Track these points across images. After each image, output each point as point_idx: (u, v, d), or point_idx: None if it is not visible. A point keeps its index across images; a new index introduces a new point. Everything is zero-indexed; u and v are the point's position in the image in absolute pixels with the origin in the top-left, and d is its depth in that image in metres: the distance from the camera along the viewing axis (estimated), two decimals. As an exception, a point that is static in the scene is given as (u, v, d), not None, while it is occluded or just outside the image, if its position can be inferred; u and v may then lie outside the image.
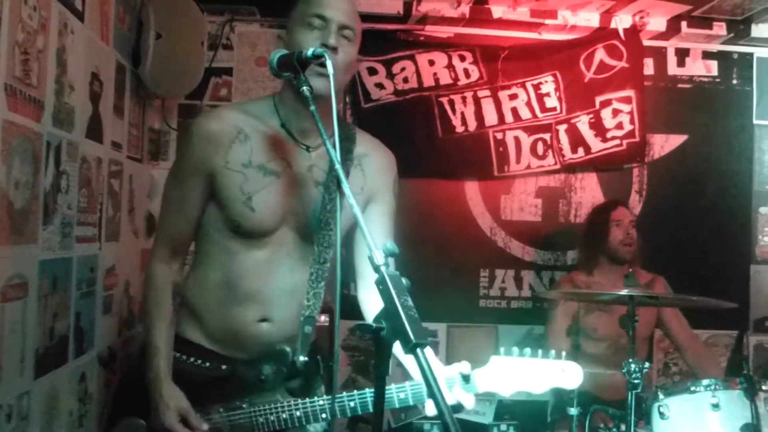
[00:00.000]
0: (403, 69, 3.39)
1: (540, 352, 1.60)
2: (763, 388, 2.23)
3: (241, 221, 1.61)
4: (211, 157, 1.60)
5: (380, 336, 1.03)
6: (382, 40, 3.35)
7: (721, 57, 3.58)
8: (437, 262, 3.37)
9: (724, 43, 3.55)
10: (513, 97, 3.44)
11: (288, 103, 1.64)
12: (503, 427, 3.03)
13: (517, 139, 3.43)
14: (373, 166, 1.75)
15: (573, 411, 2.41)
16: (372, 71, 3.37)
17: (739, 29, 3.48)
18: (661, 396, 2.30)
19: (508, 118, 3.43)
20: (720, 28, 3.47)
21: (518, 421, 3.06)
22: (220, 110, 1.76)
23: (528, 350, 1.60)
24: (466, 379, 1.56)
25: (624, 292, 2.17)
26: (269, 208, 1.61)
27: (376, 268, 1.07)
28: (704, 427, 2.22)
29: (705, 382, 2.25)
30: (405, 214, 3.38)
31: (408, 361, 1.42)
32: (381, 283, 1.05)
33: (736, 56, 3.59)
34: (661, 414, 2.28)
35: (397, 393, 1.56)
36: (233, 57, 3.35)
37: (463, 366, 1.56)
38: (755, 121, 3.61)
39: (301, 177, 1.64)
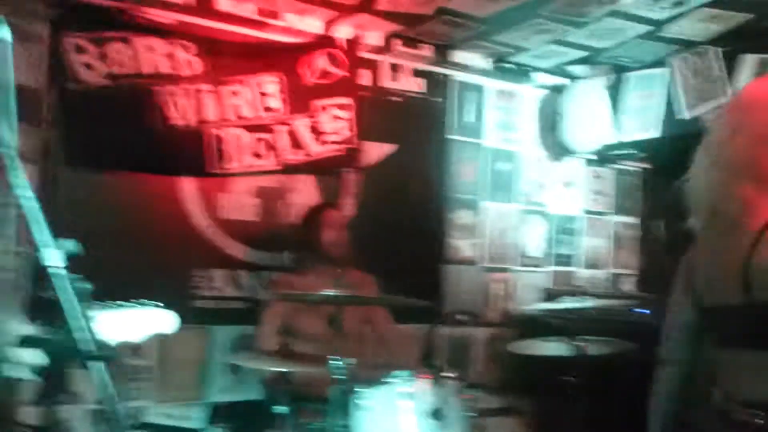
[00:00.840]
0: (117, 52, 3.13)
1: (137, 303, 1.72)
2: (448, 376, 2.50)
3: None
4: None
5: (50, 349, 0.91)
6: (91, 14, 3.05)
7: (428, 76, 3.94)
8: (146, 261, 3.16)
9: (430, 63, 3.92)
10: (235, 94, 3.39)
11: None
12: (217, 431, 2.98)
13: (237, 138, 3.39)
14: None
15: (281, 409, 2.45)
16: (79, 49, 3.05)
17: (443, 53, 3.88)
18: (361, 389, 2.44)
19: (230, 115, 3.38)
20: (428, 50, 3.84)
21: (232, 424, 3.02)
22: None
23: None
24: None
25: (330, 292, 2.26)
26: None
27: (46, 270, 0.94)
28: (397, 415, 2.40)
29: (400, 373, 2.45)
30: (112, 210, 3.19)
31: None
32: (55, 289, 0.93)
33: (439, 77, 3.99)
34: (360, 407, 2.42)
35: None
36: None
37: None
38: (451, 136, 4.04)
39: None
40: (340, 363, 2.20)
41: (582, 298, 2.80)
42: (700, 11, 3.23)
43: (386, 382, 2.46)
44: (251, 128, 3.42)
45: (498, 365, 4.08)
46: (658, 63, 3.93)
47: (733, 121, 1.52)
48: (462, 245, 4.08)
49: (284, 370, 2.40)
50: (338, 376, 2.21)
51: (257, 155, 3.44)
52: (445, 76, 4.00)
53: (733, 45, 3.54)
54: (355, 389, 2.45)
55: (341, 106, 3.61)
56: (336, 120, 3.60)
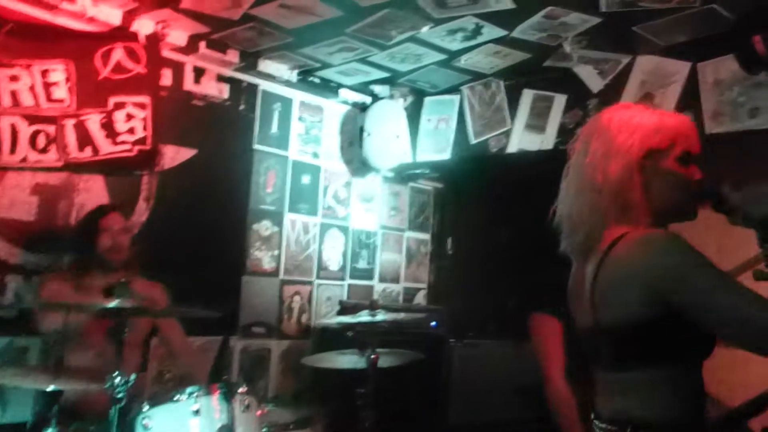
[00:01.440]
0: None
1: None
2: (239, 390, 2.43)
3: None
4: None
5: None
6: None
7: (232, 82, 3.85)
8: None
9: (236, 70, 3.83)
10: (14, 78, 3.04)
11: None
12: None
13: (13, 127, 3.03)
14: None
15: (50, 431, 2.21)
16: None
17: (249, 60, 3.82)
18: (145, 407, 2.29)
19: (6, 101, 3.02)
20: (234, 56, 3.75)
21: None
22: None
23: None
24: None
25: (113, 304, 2.09)
26: None
27: None
28: (186, 433, 2.29)
29: (188, 389, 2.33)
30: None
31: None
32: None
33: (245, 84, 3.91)
34: (144, 426, 2.26)
35: None
36: None
37: None
38: (255, 146, 3.99)
39: None
40: (119, 379, 2.03)
41: (376, 311, 2.88)
42: (488, 46, 3.52)
43: (174, 399, 2.33)
44: (31, 118, 3.09)
45: (294, 378, 4.07)
46: (452, 90, 4.22)
47: (585, 144, 1.59)
48: (262, 256, 4.02)
49: (55, 387, 2.16)
50: (118, 394, 2.04)
51: (37, 149, 3.10)
52: (251, 84, 3.94)
53: (515, 79, 3.91)
54: (139, 407, 2.29)
55: (138, 105, 3.38)
56: (131, 119, 3.37)
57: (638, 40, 3.31)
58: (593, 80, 3.66)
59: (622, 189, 1.50)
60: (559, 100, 3.78)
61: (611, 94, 3.56)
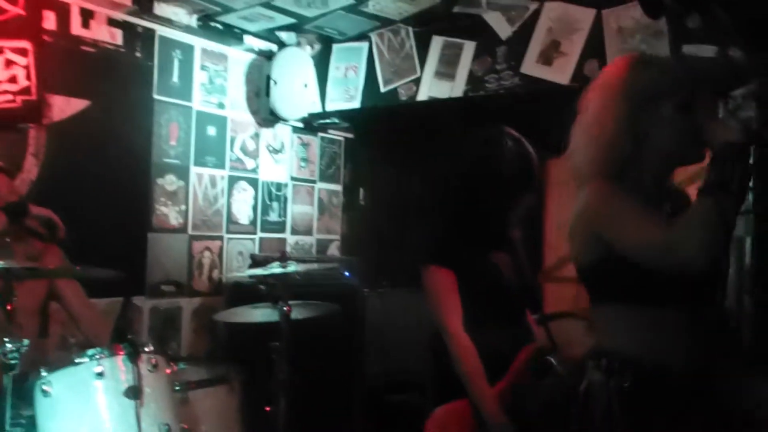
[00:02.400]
0: None
1: None
2: (146, 350, 2.33)
3: None
4: None
5: None
6: None
7: (126, 27, 3.60)
8: None
9: (129, 13, 3.58)
10: None
11: None
12: None
13: None
14: None
15: (-64, 406, 2.05)
16: None
17: (143, 3, 3.58)
18: (44, 373, 2.16)
19: None
20: (126, -1, 3.50)
21: None
22: None
23: None
24: None
25: (-1, 264, 1.94)
26: None
27: None
28: (88, 397, 2.17)
29: (90, 352, 2.21)
30: None
31: None
32: None
33: (140, 29, 3.67)
34: (44, 392, 2.14)
35: None
36: None
37: None
38: (155, 96, 3.78)
39: None
40: (10, 345, 1.90)
41: (287, 263, 2.83)
42: (396, -10, 3.45)
43: (75, 363, 2.21)
44: None
45: (207, 335, 3.99)
46: (361, 37, 4.13)
47: (589, 98, 1.68)
48: (168, 212, 3.86)
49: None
50: (10, 360, 1.92)
51: None
52: (147, 29, 3.70)
53: (424, 26, 3.86)
54: (38, 374, 2.17)
55: (18, 50, 3.10)
56: (11, 66, 3.09)
57: (545, -14, 3.32)
58: (502, 27, 3.66)
59: (615, 142, 1.60)
60: (469, 48, 3.77)
61: (519, 41, 3.59)
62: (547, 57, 3.48)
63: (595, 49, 3.35)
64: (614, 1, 3.30)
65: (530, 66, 3.53)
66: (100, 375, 2.17)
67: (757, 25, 2.74)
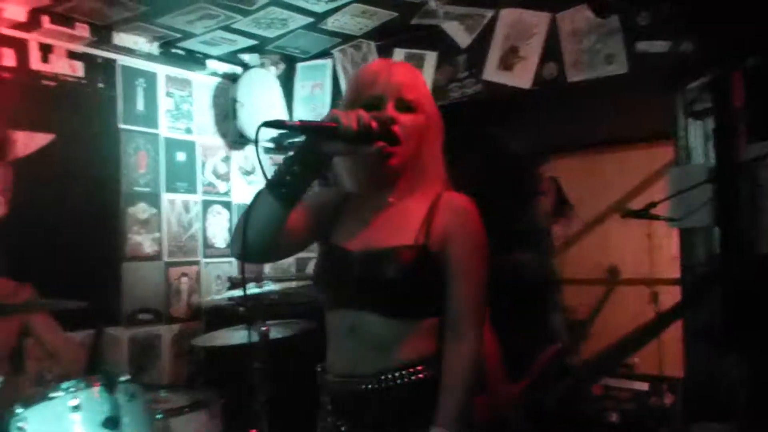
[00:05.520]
0: None
1: None
2: (122, 379, 2.32)
3: None
4: None
5: None
6: None
7: (86, 59, 3.59)
8: None
9: (88, 45, 3.58)
10: None
11: None
12: None
13: None
14: None
15: None
16: None
17: (102, 34, 3.58)
18: (19, 410, 2.15)
19: None
20: (84, 30, 3.50)
21: None
22: None
23: None
24: None
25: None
26: None
27: None
28: (65, 431, 2.17)
29: (64, 385, 2.21)
30: None
31: None
32: None
33: (100, 60, 3.66)
34: (20, 429, 2.13)
35: None
36: None
37: None
38: (121, 125, 3.77)
39: None
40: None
41: (262, 283, 2.83)
42: (353, 6, 3.48)
43: (50, 397, 2.20)
44: None
45: (188, 361, 3.96)
46: (323, 54, 4.16)
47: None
48: (142, 240, 3.84)
49: None
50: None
51: None
52: (107, 59, 3.70)
53: (385, 39, 3.90)
54: (13, 412, 2.15)
55: (-22, 89, 3.10)
56: (-28, 105, 3.09)
57: (499, -7, 3.38)
58: (461, 36, 3.71)
59: None
60: (430, 58, 3.81)
61: (479, 48, 3.63)
62: (507, 62, 3.53)
63: (553, 51, 3.40)
64: (567, 4, 3.36)
65: (492, 72, 3.58)
66: (76, 408, 2.17)
67: (706, 18, 2.81)
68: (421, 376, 1.50)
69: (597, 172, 4.85)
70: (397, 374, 1.49)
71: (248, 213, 1.46)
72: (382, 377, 1.49)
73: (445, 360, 1.50)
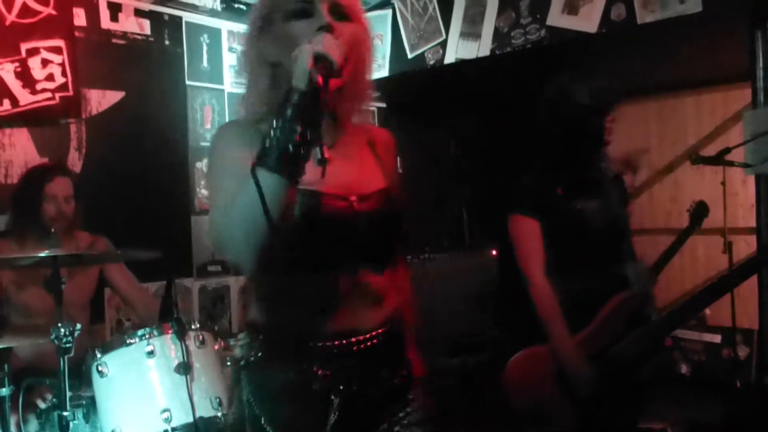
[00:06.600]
0: None
1: None
2: (192, 327, 2.42)
3: None
4: None
5: None
6: None
7: (153, 16, 3.67)
8: None
9: (155, 3, 3.64)
10: None
11: None
12: None
13: None
14: None
15: (3, 391, 2.19)
16: None
17: (166, -8, 3.64)
18: (98, 354, 2.27)
19: None
20: (149, -12, 3.56)
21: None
22: None
23: None
24: None
25: (45, 253, 2.04)
26: None
27: None
28: (142, 375, 2.27)
29: (139, 332, 2.31)
30: None
31: None
32: None
33: (167, 17, 3.73)
34: (100, 373, 2.25)
35: None
36: None
37: None
38: (187, 82, 3.85)
39: None
40: (63, 330, 2.01)
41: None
42: (414, -48, 3.40)
43: (126, 344, 2.31)
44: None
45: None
46: (383, 4, 4.10)
47: None
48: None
49: (1, 346, 2.13)
50: (65, 344, 2.02)
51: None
52: (173, 17, 3.76)
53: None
54: (94, 356, 2.28)
55: (52, 49, 3.21)
56: (48, 65, 3.20)
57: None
58: (524, -21, 3.57)
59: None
60: (492, 4, 3.69)
61: (542, -9, 3.49)
62: (572, 5, 3.39)
63: (622, -9, 3.24)
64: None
65: (556, 17, 3.44)
66: (151, 353, 2.27)
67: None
68: (404, 318, 1.48)
69: (668, 118, 4.65)
70: (390, 324, 1.43)
71: (244, 208, 1.15)
72: (380, 330, 1.40)
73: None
